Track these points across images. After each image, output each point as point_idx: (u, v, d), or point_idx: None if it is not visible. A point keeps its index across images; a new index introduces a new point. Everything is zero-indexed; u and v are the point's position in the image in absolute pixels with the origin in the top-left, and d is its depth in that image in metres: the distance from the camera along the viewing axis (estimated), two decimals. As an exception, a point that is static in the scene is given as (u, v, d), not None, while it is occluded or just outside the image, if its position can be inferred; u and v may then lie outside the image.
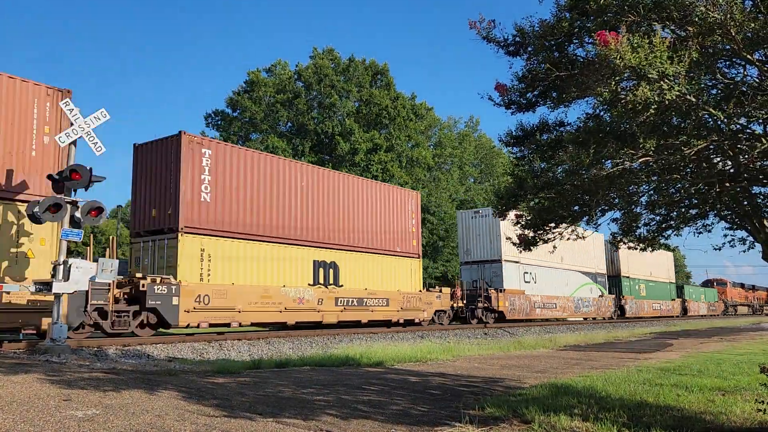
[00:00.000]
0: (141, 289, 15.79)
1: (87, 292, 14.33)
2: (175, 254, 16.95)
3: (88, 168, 12.65)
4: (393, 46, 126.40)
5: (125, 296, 15.99)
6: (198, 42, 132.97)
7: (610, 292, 42.01)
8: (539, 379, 10.73)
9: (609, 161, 6.66)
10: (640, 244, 8.81)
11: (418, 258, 26.64)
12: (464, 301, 28.81)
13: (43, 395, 7.08)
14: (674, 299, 53.57)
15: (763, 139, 5.91)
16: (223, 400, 7.45)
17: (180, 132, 17.56)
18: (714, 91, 6.48)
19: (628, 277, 44.47)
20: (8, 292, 12.72)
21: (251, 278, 18.82)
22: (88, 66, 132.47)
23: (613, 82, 5.22)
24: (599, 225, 8.34)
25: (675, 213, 8.27)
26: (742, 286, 79.48)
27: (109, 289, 15.24)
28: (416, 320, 25.38)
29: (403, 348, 15.99)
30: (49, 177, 12.92)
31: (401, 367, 12.72)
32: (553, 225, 8.38)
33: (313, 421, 6.51)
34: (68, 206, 12.53)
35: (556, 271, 35.47)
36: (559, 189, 7.31)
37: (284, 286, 19.74)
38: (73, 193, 12.84)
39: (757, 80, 6.07)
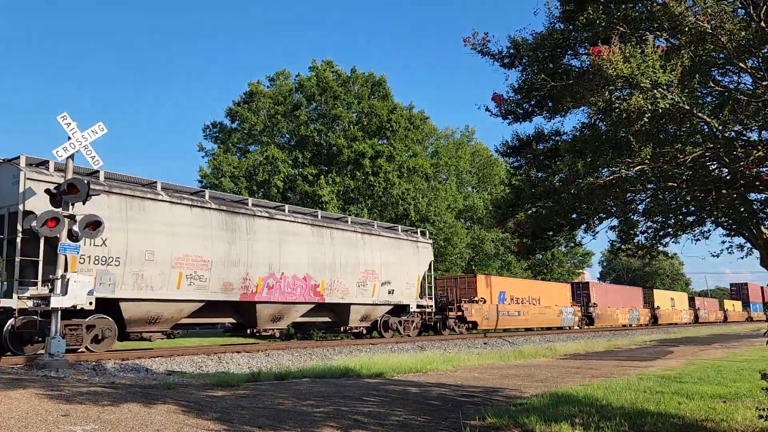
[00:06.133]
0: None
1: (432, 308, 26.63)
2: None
3: (85, 181, 12.64)
4: (389, 57, 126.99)
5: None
6: (196, 54, 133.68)
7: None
8: (540, 388, 10.70)
9: (605, 169, 6.69)
10: (639, 252, 8.82)
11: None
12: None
13: (42, 411, 7.04)
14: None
15: (758, 146, 5.94)
16: (223, 414, 7.41)
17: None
18: (708, 99, 6.52)
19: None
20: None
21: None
22: (87, 74, 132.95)
23: (607, 92, 5.26)
24: (597, 233, 8.36)
25: (672, 220, 8.30)
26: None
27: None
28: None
29: (403, 359, 15.93)
30: (47, 191, 12.89)
31: (401, 378, 12.67)
32: (551, 233, 8.40)
33: (313, 434, 6.48)
34: (66, 220, 12.49)
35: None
36: (557, 198, 7.34)
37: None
38: (70, 206, 12.80)
39: (751, 88, 6.11)
